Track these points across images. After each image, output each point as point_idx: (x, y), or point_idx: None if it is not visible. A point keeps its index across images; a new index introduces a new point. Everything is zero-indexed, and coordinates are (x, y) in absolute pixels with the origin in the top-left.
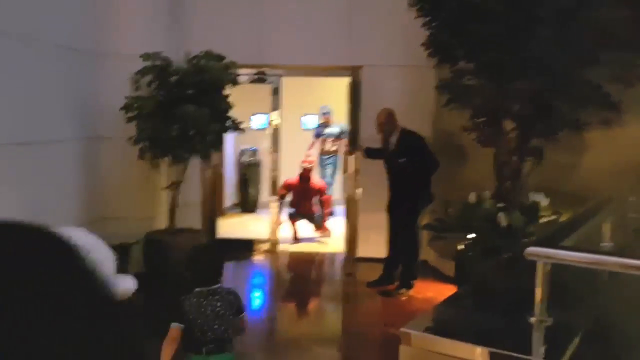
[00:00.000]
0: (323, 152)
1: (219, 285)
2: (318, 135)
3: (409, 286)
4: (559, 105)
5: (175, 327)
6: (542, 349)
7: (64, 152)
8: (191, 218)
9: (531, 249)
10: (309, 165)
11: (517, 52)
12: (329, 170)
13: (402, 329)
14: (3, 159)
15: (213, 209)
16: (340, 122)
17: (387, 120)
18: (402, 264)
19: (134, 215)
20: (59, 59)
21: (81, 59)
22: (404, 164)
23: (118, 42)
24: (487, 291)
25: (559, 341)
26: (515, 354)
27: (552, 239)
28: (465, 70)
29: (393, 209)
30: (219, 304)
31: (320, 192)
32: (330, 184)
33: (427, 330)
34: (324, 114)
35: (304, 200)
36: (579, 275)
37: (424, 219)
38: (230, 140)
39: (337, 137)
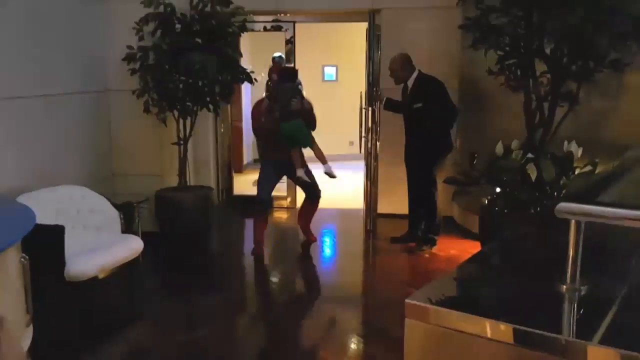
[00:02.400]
0: None
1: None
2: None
3: (431, 242)
4: (597, 41)
5: None
6: (574, 323)
7: (70, 106)
8: (205, 175)
9: (563, 205)
10: None
11: None
12: None
13: (407, 300)
14: (5, 114)
15: (229, 166)
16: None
17: (401, 67)
18: (422, 217)
19: (144, 172)
20: (62, 7)
21: (85, 6)
22: (419, 110)
23: None
24: (512, 252)
25: (594, 312)
26: (542, 332)
27: (587, 193)
28: (492, 7)
29: (408, 160)
30: None
31: None
32: None
33: (438, 302)
34: (275, 62)
35: None
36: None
37: (446, 171)
38: (248, 92)
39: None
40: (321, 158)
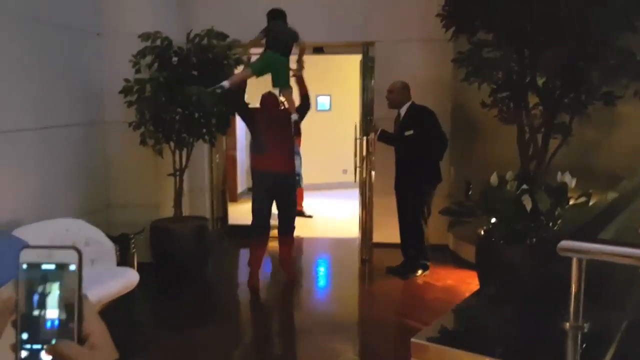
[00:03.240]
0: None
1: None
2: None
3: (423, 267)
4: (588, 74)
5: None
6: None
7: (66, 138)
8: (201, 205)
9: (565, 243)
10: None
11: (544, 17)
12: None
13: (413, 339)
14: (2, 146)
15: (224, 195)
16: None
17: (399, 91)
18: (412, 246)
19: (139, 202)
20: (59, 39)
21: (83, 39)
22: (410, 138)
23: (121, 21)
24: (513, 286)
25: (597, 349)
26: None
27: (586, 228)
28: (485, 41)
29: (398, 190)
30: None
31: None
32: (299, 176)
33: (443, 340)
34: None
35: None
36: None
37: (440, 202)
38: (242, 122)
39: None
40: (291, 105)
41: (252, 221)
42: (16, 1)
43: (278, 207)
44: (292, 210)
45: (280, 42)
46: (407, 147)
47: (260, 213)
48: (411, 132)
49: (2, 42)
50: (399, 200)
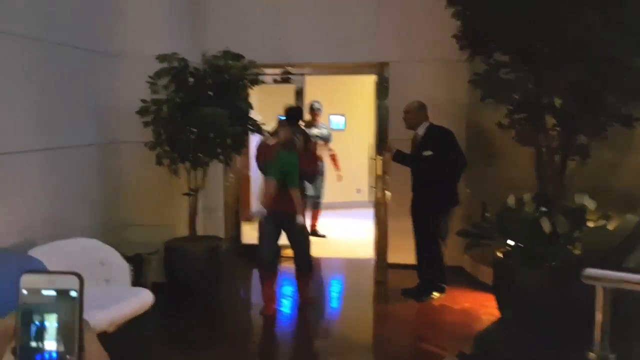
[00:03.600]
0: None
1: None
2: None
3: (440, 289)
4: (607, 97)
5: None
6: None
7: (81, 158)
8: (215, 225)
9: (590, 271)
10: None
11: (561, 38)
12: (319, 181)
13: None
14: (19, 167)
15: (237, 214)
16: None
17: (417, 112)
18: (428, 268)
19: (154, 222)
20: (75, 61)
21: (99, 60)
22: (428, 158)
23: (137, 43)
24: (533, 312)
25: None
26: None
27: (612, 257)
28: (501, 62)
29: (414, 212)
30: None
31: None
32: (319, 199)
33: None
34: (316, 109)
35: None
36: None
37: (457, 223)
38: (256, 142)
39: (326, 140)
40: (300, 208)
41: (260, 256)
42: (33, 23)
43: (290, 242)
44: (305, 243)
45: (290, 145)
46: (425, 167)
47: (267, 248)
48: (430, 152)
49: (19, 64)
50: (415, 221)
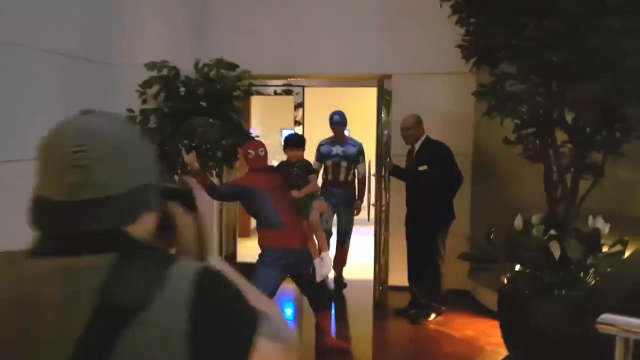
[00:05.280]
0: (331, 183)
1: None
2: (324, 157)
3: (437, 311)
4: (625, 111)
5: None
6: None
7: None
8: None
9: (606, 317)
10: None
11: (577, 49)
12: (344, 214)
13: None
14: (11, 178)
15: (234, 231)
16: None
17: (415, 126)
18: (423, 288)
19: None
20: (70, 70)
21: (92, 69)
22: (424, 173)
23: (131, 51)
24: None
25: None
26: None
27: (633, 299)
28: (509, 73)
29: (408, 228)
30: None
31: None
32: (348, 234)
33: None
34: (335, 123)
35: None
36: None
37: (459, 246)
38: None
39: (355, 160)
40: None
41: None
42: (25, 32)
43: (300, 288)
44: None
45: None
46: (420, 183)
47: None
48: (425, 167)
49: (14, 73)
50: (409, 240)
